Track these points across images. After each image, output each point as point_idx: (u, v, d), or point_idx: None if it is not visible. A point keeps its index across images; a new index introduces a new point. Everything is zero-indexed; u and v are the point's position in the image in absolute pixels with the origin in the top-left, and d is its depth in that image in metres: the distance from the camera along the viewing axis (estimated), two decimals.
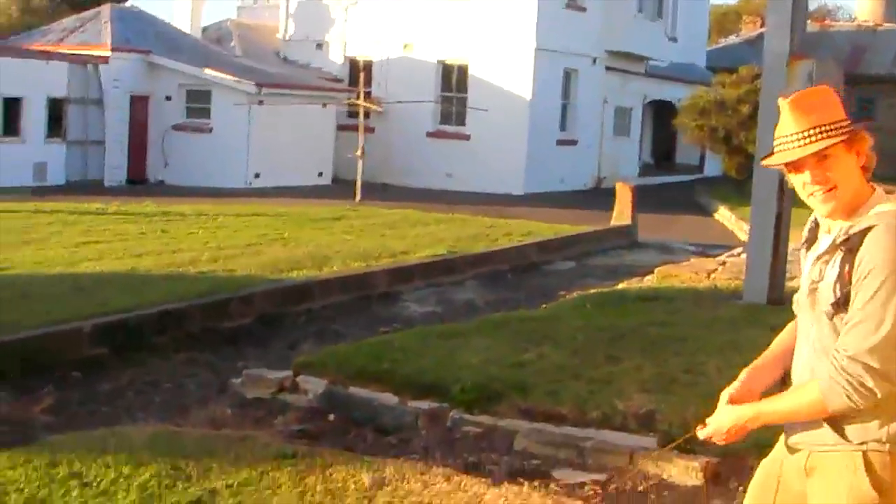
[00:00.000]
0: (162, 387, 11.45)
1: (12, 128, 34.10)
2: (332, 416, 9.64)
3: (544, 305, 15.00)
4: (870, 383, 3.63)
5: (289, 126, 36.41)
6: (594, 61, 41.09)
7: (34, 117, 34.54)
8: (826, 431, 3.80)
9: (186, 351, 12.85)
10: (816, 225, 4.01)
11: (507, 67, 37.80)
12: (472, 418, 9.10)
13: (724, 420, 4.07)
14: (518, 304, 16.17)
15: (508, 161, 37.35)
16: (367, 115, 34.62)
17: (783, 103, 3.89)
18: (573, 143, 40.73)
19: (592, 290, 16.24)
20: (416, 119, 38.76)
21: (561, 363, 10.54)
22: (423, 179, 37.63)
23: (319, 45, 42.05)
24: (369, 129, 35.73)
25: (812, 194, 3.85)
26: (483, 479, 7.38)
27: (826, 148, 3.78)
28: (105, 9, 39.57)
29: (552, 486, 7.64)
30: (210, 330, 13.75)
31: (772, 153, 3.92)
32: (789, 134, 3.84)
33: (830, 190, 3.79)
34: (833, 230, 3.86)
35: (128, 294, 14.12)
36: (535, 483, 7.57)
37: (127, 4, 47.82)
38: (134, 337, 12.73)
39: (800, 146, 3.81)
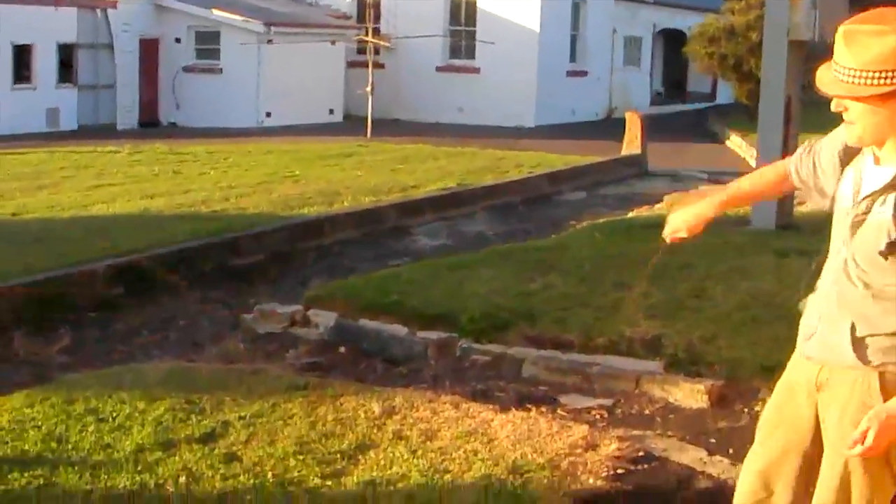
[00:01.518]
0: (176, 324, 11.62)
1: (23, 74, 34.13)
2: (342, 349, 9.76)
3: (553, 236, 15.10)
4: None
5: (298, 64, 36.36)
6: None
7: (45, 63, 34.56)
8: (846, 349, 3.83)
9: (200, 289, 13.00)
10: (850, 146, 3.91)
11: (514, 0, 37.67)
12: (481, 347, 9.22)
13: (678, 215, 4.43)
14: (528, 234, 16.28)
15: (519, 93, 37.29)
16: (376, 51, 34.60)
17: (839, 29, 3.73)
18: (583, 73, 40.63)
19: (601, 220, 16.32)
20: (425, 54, 38.67)
21: (568, 291, 10.65)
22: (434, 114, 37.60)
23: None
24: (379, 66, 35.69)
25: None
26: (491, 406, 7.50)
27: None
28: None
29: (559, 411, 7.75)
30: (222, 268, 13.90)
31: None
32: (835, 64, 3.71)
33: (851, 123, 3.75)
34: (884, 161, 3.78)
35: (141, 235, 14.26)
36: (543, 409, 7.68)
37: None
38: (148, 276, 12.87)
39: (830, 81, 3.71)
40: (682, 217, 4.47)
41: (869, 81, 3.59)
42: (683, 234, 4.47)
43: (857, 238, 3.78)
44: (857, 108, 3.68)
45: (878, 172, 3.78)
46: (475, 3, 38.82)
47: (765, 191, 4.48)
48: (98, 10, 35.86)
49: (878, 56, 3.57)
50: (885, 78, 3.57)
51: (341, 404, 7.39)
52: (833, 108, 3.77)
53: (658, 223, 14.17)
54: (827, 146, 4.06)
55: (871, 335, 3.78)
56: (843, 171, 3.96)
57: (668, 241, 4.54)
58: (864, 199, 3.77)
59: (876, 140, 3.74)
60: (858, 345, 3.80)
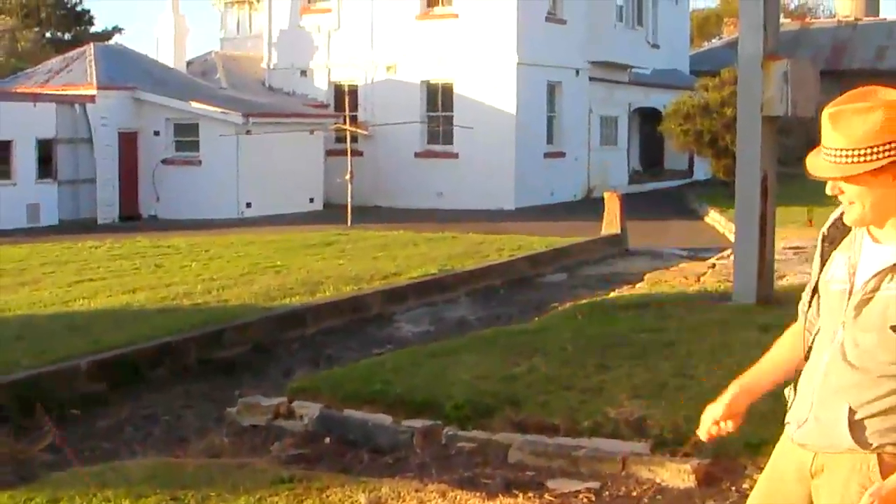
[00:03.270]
0: (160, 420, 11.57)
1: (3, 170, 34.22)
2: (327, 440, 9.72)
3: (536, 318, 15.11)
4: None
5: (278, 154, 36.50)
6: (577, 72, 41.18)
7: (24, 159, 34.67)
8: (844, 434, 3.78)
9: (183, 383, 12.98)
10: (844, 224, 3.92)
11: (490, 84, 37.92)
12: (466, 434, 9.19)
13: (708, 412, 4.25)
14: (511, 318, 16.29)
15: (497, 177, 37.45)
16: (354, 139, 34.79)
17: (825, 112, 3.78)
18: (561, 155, 40.83)
19: (583, 301, 16.36)
20: (403, 140, 38.88)
21: (552, 374, 10.65)
22: (414, 200, 37.72)
23: (304, 73, 42.17)
24: (357, 153, 35.89)
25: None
26: (478, 493, 7.48)
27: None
28: (89, 48, 39.77)
29: (546, 496, 7.73)
30: (206, 361, 13.88)
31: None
32: (824, 148, 3.75)
33: (851, 203, 3.76)
34: (884, 240, 3.79)
35: (123, 330, 14.24)
36: (530, 494, 7.66)
37: (111, 42, 48.01)
38: (131, 372, 12.85)
39: (823, 166, 3.75)
40: (711, 413, 4.32)
41: (860, 159, 3.62)
42: (715, 431, 4.32)
43: (863, 317, 3.75)
44: (852, 190, 3.70)
45: (879, 251, 3.78)
46: (452, 88, 39.08)
47: (782, 351, 4.31)
48: (77, 105, 36.05)
49: (866, 133, 3.61)
50: (875, 153, 3.61)
51: (328, 497, 7.37)
52: (828, 191, 3.79)
53: (639, 303, 14.30)
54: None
55: (870, 417, 3.75)
56: (828, 256, 3.97)
57: (704, 439, 4.40)
58: (872, 277, 3.74)
59: (878, 218, 3.76)
60: (856, 428, 3.76)
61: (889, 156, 3.61)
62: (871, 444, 3.75)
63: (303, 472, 8.15)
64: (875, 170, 3.62)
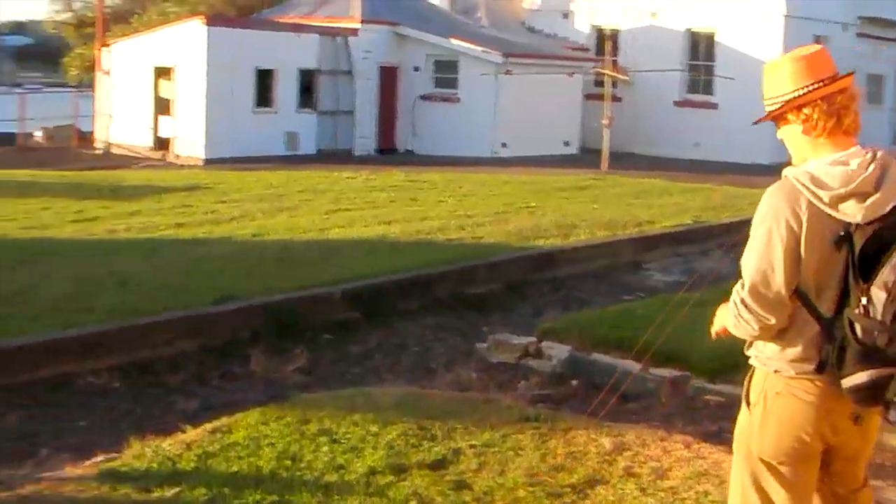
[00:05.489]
0: (409, 350, 11.72)
1: (266, 99, 35.04)
2: (574, 382, 9.72)
3: None
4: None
5: (535, 96, 36.46)
6: (845, 27, 39.93)
7: (286, 89, 35.43)
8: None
9: (434, 315, 13.11)
10: None
11: (755, 35, 37.01)
12: (714, 387, 9.07)
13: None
14: None
15: (756, 130, 36.56)
16: (613, 84, 34.49)
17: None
18: None
19: None
20: (662, 88, 38.38)
21: None
22: (670, 149, 37.23)
23: (565, 15, 41.97)
24: (616, 99, 35.61)
25: None
26: (723, 448, 7.34)
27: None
28: None
29: None
30: (457, 295, 13.99)
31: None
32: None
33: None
34: None
35: (377, 260, 14.46)
36: None
37: None
38: (383, 301, 13.03)
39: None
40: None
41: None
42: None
43: None
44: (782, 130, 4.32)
45: None
46: (714, 37, 38.36)
47: None
48: (339, 38, 36.60)
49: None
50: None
51: (572, 438, 7.33)
52: None
53: None
54: None
55: None
56: None
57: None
58: None
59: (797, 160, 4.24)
60: None
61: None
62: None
63: (548, 412, 8.14)
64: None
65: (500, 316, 13.32)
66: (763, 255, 4.07)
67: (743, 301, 4.12)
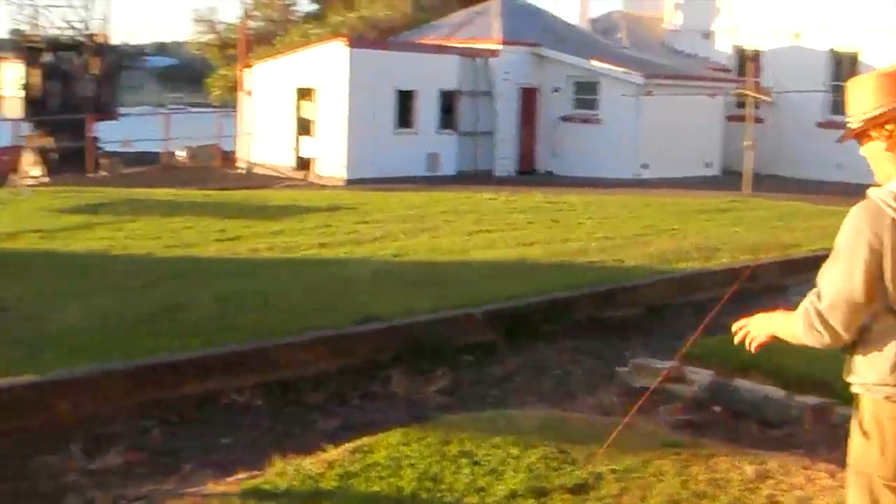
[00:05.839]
0: (550, 373, 11.67)
1: (406, 119, 35.36)
2: (716, 408, 9.61)
3: None
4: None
5: (677, 117, 36.27)
6: None
7: (427, 109, 35.71)
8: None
9: (574, 338, 13.04)
10: None
11: None
12: None
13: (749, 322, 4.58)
14: None
15: None
16: (755, 105, 34.12)
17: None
18: None
19: None
20: (805, 109, 37.91)
21: None
22: (813, 171, 36.72)
23: (706, 35, 41.71)
24: (758, 120, 35.18)
25: None
26: None
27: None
28: (494, 3, 40.48)
29: None
30: (597, 319, 13.91)
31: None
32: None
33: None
34: None
35: (518, 282, 14.45)
36: None
37: None
38: (523, 323, 13.00)
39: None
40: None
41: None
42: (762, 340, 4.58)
43: None
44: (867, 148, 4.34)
45: None
46: (857, 57, 37.77)
47: None
48: (479, 59, 36.79)
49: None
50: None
51: (714, 465, 7.26)
52: None
53: None
54: None
55: None
56: None
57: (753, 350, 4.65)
58: None
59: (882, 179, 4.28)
60: None
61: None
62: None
63: (690, 438, 8.08)
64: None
65: (640, 340, 13.21)
66: (845, 274, 4.11)
67: (820, 313, 4.19)
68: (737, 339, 4.64)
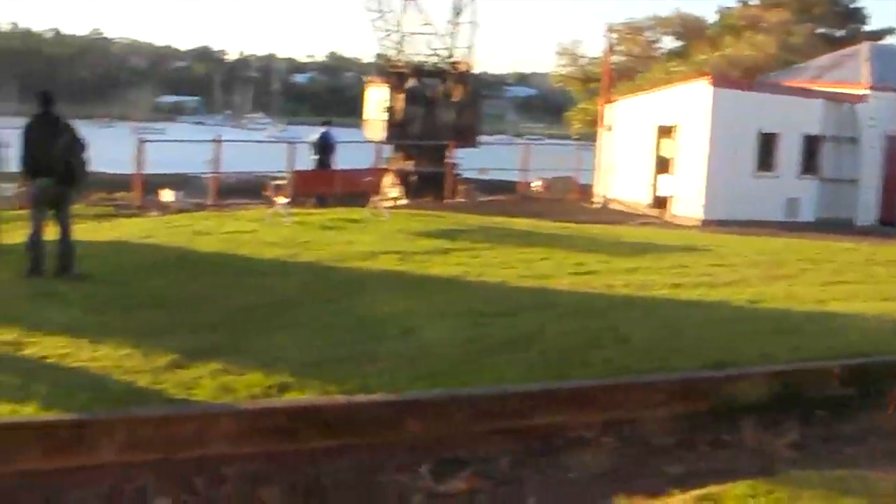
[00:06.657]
0: None
1: (767, 162, 34.87)
2: None
3: None
4: None
5: None
6: None
7: (788, 153, 35.13)
8: None
9: None
10: None
11: None
12: None
13: None
14: None
15: None
16: None
17: None
18: None
19: None
20: None
21: None
22: None
23: None
24: None
25: None
26: None
27: None
28: (863, 46, 39.55)
29: None
30: None
31: None
32: None
33: None
34: None
35: (877, 337, 14.00)
36: None
37: (884, 42, 47.33)
38: (881, 381, 12.58)
39: None
40: None
41: None
42: None
43: None
44: None
45: None
46: None
47: None
48: (846, 104, 35.94)
49: None
50: None
51: None
52: None
53: None
54: None
55: None
56: None
57: None
58: None
59: None
60: None
61: None
62: None
63: None
64: None
65: None
66: None
67: None
68: None
